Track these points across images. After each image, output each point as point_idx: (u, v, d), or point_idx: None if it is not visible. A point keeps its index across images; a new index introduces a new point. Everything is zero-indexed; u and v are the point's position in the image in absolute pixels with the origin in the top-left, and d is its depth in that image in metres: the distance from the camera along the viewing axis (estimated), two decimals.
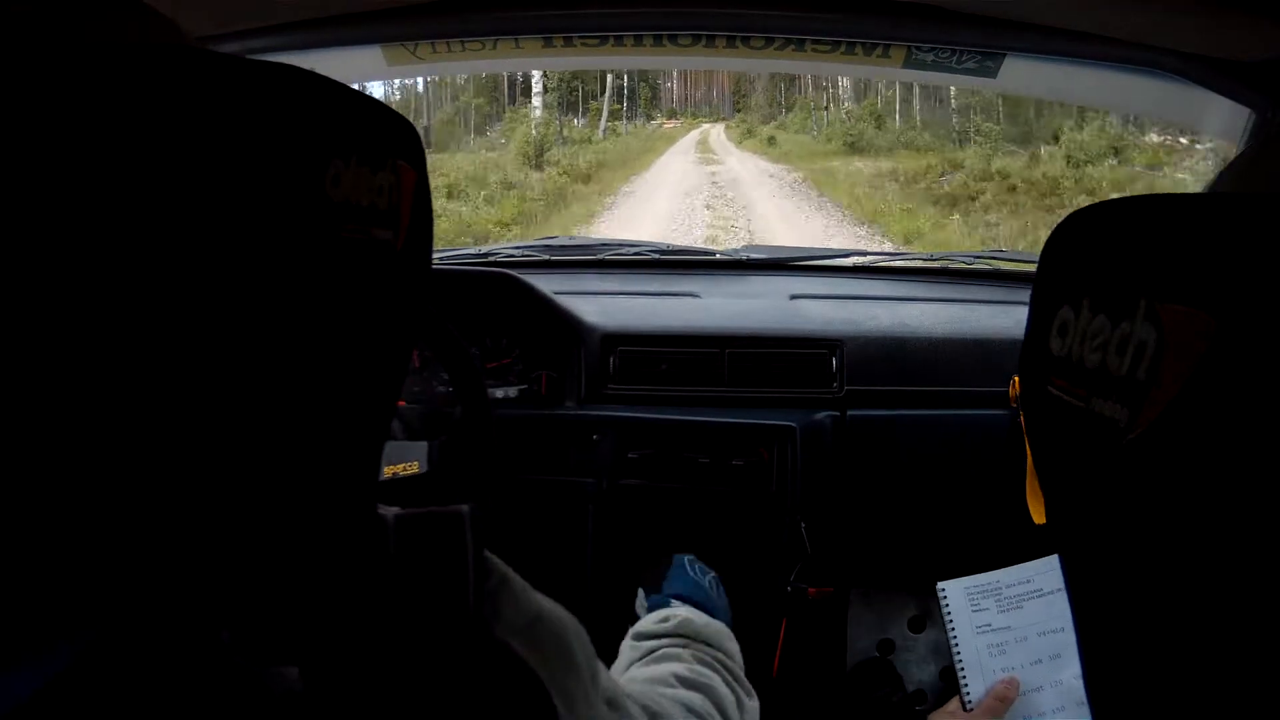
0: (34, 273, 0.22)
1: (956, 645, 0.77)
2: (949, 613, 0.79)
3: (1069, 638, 0.75)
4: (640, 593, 0.73)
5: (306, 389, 0.27)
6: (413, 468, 0.93)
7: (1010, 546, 0.79)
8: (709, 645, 0.63)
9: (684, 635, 0.63)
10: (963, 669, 0.76)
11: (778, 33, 0.93)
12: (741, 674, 0.62)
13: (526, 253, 1.43)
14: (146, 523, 0.24)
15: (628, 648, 0.65)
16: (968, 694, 0.75)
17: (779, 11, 0.87)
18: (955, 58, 0.93)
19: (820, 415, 1.09)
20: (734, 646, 0.65)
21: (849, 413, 1.09)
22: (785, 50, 0.97)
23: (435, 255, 1.22)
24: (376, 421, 0.32)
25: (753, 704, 0.60)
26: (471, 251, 1.44)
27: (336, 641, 0.30)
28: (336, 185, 0.26)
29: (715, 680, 0.57)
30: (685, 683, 0.55)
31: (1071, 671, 0.75)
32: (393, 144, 0.29)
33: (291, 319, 0.25)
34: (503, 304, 1.13)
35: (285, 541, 0.28)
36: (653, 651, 0.61)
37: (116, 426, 0.23)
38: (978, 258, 1.45)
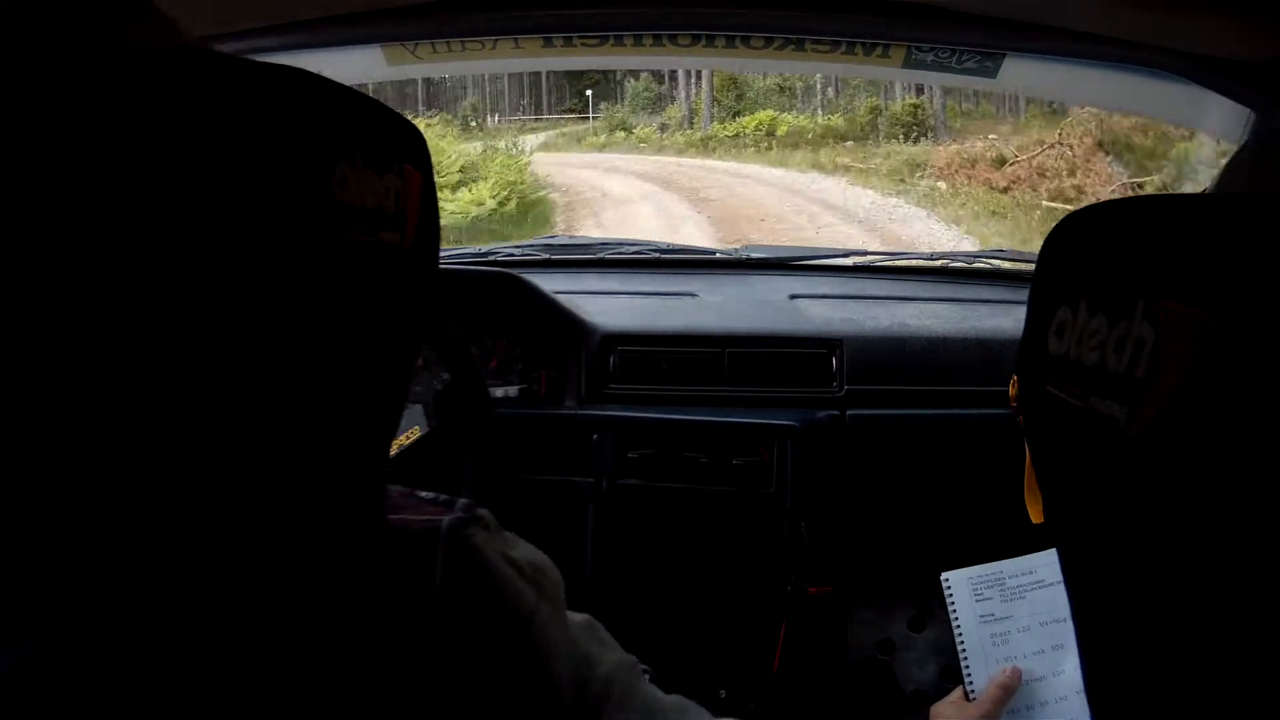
0: (39, 275, 0.22)
1: (960, 635, 0.77)
2: (953, 603, 0.79)
3: (1071, 628, 0.75)
4: None
5: (313, 390, 0.27)
6: (413, 434, 0.93)
7: (1011, 546, 0.79)
8: None
9: None
10: (966, 659, 0.76)
11: (778, 33, 0.93)
12: None
13: (527, 252, 1.43)
14: (152, 523, 0.24)
15: None
16: (971, 683, 0.75)
17: (779, 11, 0.87)
18: (955, 58, 0.93)
19: (820, 415, 1.09)
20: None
21: (849, 412, 1.09)
22: (785, 50, 0.97)
23: None
24: (383, 422, 0.32)
25: None
26: (471, 251, 1.45)
27: (338, 642, 0.30)
28: (343, 187, 0.26)
29: None
30: None
31: (1073, 662, 0.75)
32: (399, 147, 0.29)
33: (298, 320, 0.26)
34: (504, 304, 1.13)
35: (291, 541, 0.28)
36: None
37: (124, 428, 0.23)
38: (978, 257, 1.45)
